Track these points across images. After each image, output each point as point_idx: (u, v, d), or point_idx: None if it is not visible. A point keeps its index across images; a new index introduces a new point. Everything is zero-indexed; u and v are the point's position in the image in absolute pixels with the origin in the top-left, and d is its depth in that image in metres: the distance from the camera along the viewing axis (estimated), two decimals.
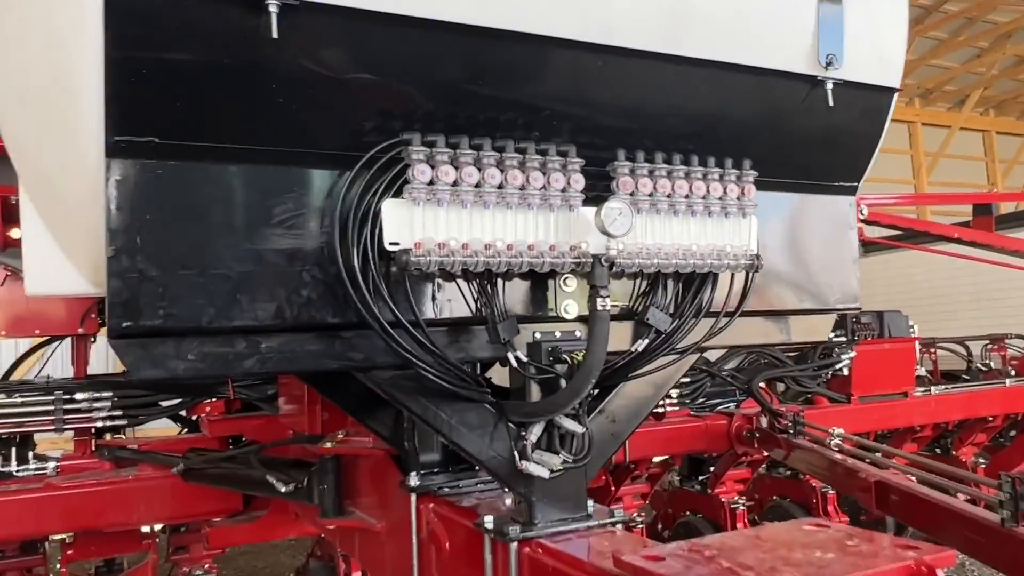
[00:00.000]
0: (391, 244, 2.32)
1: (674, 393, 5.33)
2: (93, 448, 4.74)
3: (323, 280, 2.34)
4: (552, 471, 2.44)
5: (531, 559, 2.37)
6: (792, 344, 3.10)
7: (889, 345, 6.38)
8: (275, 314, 2.28)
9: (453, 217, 2.36)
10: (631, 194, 2.59)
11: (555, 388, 2.54)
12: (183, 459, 4.14)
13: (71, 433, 4.77)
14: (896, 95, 2.98)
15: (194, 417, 5.23)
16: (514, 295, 2.60)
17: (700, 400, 5.61)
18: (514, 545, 2.41)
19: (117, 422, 4.69)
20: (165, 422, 5.43)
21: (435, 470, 3.04)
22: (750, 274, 2.77)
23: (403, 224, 2.33)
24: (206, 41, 2.07)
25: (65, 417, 4.54)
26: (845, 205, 3.13)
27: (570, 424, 2.56)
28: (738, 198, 2.73)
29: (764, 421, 4.96)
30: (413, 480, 2.96)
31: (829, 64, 2.77)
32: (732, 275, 2.78)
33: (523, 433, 2.57)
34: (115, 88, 2.05)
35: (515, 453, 2.52)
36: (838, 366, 5.94)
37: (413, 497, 2.90)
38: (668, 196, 2.63)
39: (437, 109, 2.37)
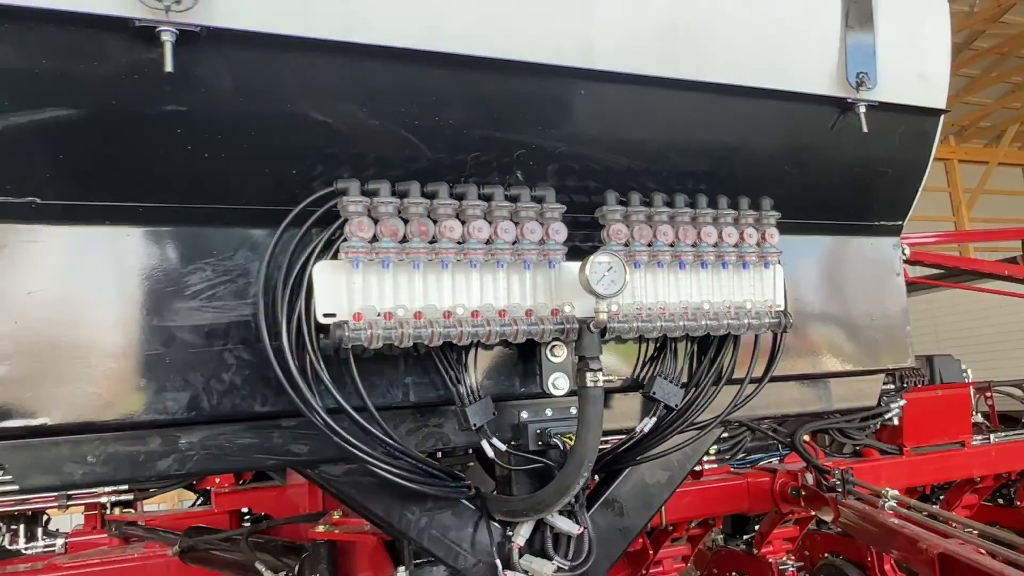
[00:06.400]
0: (325, 316, 1.79)
1: (712, 449, 4.62)
2: (102, 523, 4.28)
3: (252, 361, 1.81)
4: None
5: None
6: (835, 412, 2.43)
7: (942, 391, 5.56)
8: (191, 404, 1.76)
9: (402, 281, 1.82)
10: (625, 244, 2.03)
11: (548, 478, 1.98)
12: (182, 538, 3.62)
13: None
14: (942, 117, 2.36)
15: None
16: (490, 369, 2.04)
17: (740, 456, 4.87)
18: None
19: (123, 496, 4.21)
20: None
21: (431, 559, 2.46)
22: (778, 334, 2.15)
23: (339, 291, 1.80)
24: (86, 82, 1.58)
25: (70, 492, 4.08)
26: (888, 247, 2.50)
27: (564, 524, 1.99)
28: (758, 244, 2.14)
29: (810, 478, 4.26)
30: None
31: (860, 84, 2.19)
32: (756, 336, 2.16)
33: (509, 534, 2.01)
34: None
35: (497, 561, 1.95)
36: (887, 415, 5.14)
37: None
38: (671, 245, 2.06)
39: (380, 151, 1.84)
